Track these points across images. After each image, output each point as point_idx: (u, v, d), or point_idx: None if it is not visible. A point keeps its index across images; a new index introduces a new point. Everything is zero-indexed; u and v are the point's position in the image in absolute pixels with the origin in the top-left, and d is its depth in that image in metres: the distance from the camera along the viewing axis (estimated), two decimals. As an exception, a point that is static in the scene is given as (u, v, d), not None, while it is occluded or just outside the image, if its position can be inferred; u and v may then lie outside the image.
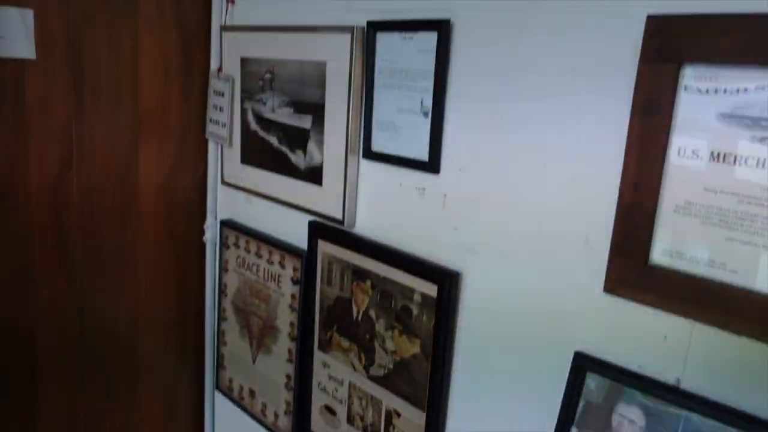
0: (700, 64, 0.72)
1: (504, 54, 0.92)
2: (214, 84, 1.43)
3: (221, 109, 1.42)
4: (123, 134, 1.38)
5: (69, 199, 1.33)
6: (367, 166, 1.16)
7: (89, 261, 1.39)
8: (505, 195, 0.94)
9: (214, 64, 1.45)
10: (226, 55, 1.39)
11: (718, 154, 0.72)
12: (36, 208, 1.29)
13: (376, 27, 1.09)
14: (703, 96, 0.73)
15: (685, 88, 0.74)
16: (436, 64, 1.00)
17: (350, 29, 1.11)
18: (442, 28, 0.99)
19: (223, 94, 1.41)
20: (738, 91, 0.70)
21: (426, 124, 1.04)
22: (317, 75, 1.19)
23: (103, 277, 1.42)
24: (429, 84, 1.02)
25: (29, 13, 1.21)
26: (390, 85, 1.09)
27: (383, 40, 1.08)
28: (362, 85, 1.13)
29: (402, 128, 1.08)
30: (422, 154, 1.05)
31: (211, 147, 1.50)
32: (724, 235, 0.72)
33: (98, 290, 1.41)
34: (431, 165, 1.04)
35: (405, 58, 1.05)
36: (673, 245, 0.76)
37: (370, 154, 1.14)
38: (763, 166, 0.69)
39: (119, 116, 1.37)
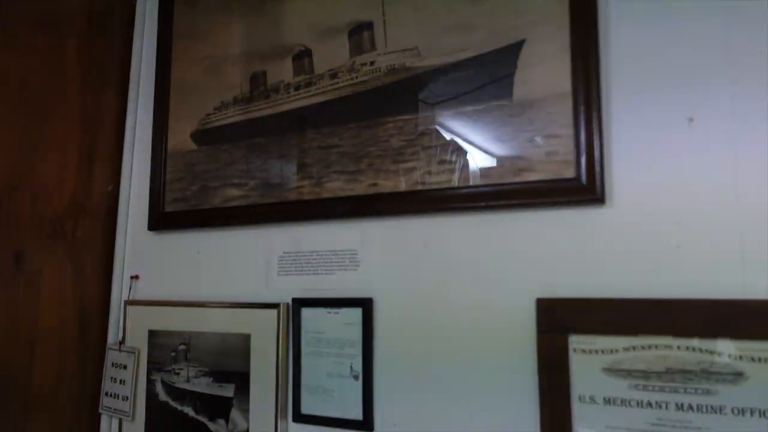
0: (581, 334, 0.99)
1: (420, 327, 1.13)
2: (114, 357, 1.41)
3: (122, 382, 1.38)
4: (10, 416, 1.26)
5: None
6: (298, 430, 1.21)
7: None
8: (442, 447, 1.08)
9: (112, 338, 1.44)
10: (131, 327, 1.41)
11: (610, 399, 0.96)
12: None
13: (301, 303, 1.25)
14: (588, 356, 0.99)
15: (574, 350, 1.00)
16: (363, 335, 1.17)
17: (276, 305, 1.25)
18: (365, 305, 1.18)
19: (125, 367, 1.39)
20: (612, 351, 0.97)
21: (357, 387, 1.16)
22: (241, 346, 1.27)
23: None
24: (357, 351, 1.17)
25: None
26: (318, 353, 1.21)
27: (309, 314, 1.24)
28: (288, 354, 1.24)
29: (333, 391, 1.19)
30: (356, 414, 1.16)
31: (104, 422, 1.42)
32: (630, 465, 0.94)
33: None
34: (365, 423, 1.15)
35: (332, 330, 1.21)
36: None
37: (300, 418, 1.21)
38: (641, 406, 0.94)
39: (8, 398, 1.26)
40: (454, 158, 1.12)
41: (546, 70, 1.06)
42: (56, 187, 1.38)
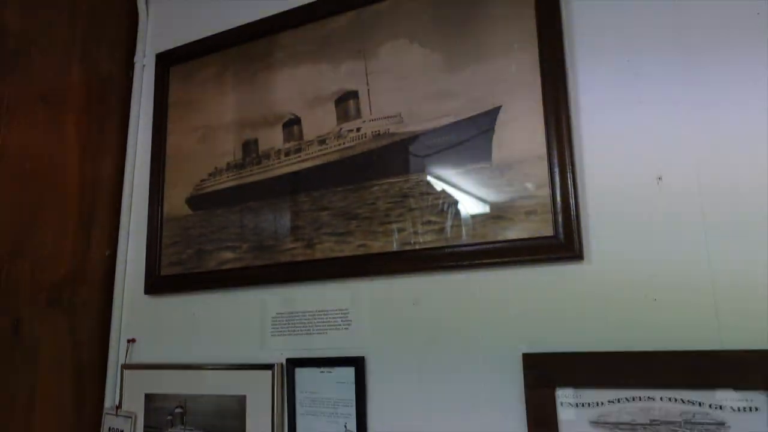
0: (567, 387, 1.02)
1: (412, 384, 1.15)
2: (110, 422, 1.42)
3: (118, 449, 1.39)
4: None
5: None
6: (294, 492, 1.22)
7: None
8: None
9: (109, 402, 1.45)
10: (128, 391, 1.42)
11: (598, 453, 0.98)
12: None
13: (295, 363, 1.27)
14: (575, 409, 1.01)
15: (561, 404, 1.02)
16: (356, 393, 1.19)
17: (271, 366, 1.27)
18: (358, 364, 1.20)
19: (122, 432, 1.39)
20: (598, 404, 1.00)
21: (352, 446, 1.18)
22: (237, 407, 1.29)
23: None
24: (351, 410, 1.19)
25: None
26: (312, 413, 1.23)
27: (302, 374, 1.26)
28: (283, 414, 1.25)
29: (328, 452, 1.20)
30: (351, 474, 1.17)
31: (100, 491, 1.41)
32: None
33: None
34: (361, 484, 1.15)
35: (325, 389, 1.23)
36: None
37: (296, 480, 1.22)
38: (630, 459, 0.96)
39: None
40: (438, 219, 1.17)
41: (522, 134, 1.13)
42: (55, 255, 1.42)
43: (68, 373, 1.42)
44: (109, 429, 1.42)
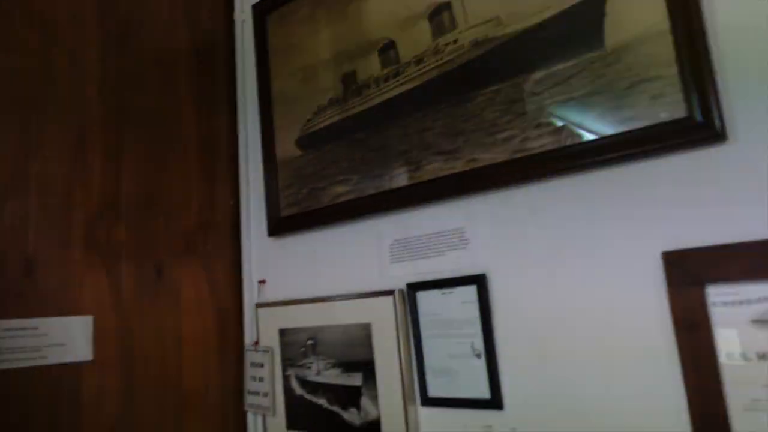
0: (721, 283, 0.90)
1: (539, 298, 1.09)
2: (252, 357, 1.51)
3: (261, 380, 1.48)
4: (168, 418, 1.39)
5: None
6: (427, 413, 1.22)
7: None
8: (576, 419, 1.03)
9: (248, 339, 1.55)
10: (263, 328, 1.50)
11: (764, 354, 0.86)
12: None
13: (416, 287, 1.26)
14: (731, 307, 0.89)
15: (713, 304, 0.91)
16: (480, 312, 1.15)
17: (391, 292, 1.27)
18: (479, 282, 1.16)
19: (262, 365, 1.48)
20: (759, 300, 0.87)
21: (481, 366, 1.15)
22: (363, 335, 1.31)
23: None
24: (476, 329, 1.16)
25: (89, 320, 1.30)
26: (437, 335, 1.21)
27: (424, 297, 1.24)
28: (409, 338, 1.25)
29: (457, 372, 1.18)
30: (483, 392, 1.14)
31: (250, 419, 1.52)
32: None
33: None
34: (494, 402, 1.13)
35: (447, 310, 1.20)
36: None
37: (428, 401, 1.21)
38: (801, 357, 0.83)
39: (165, 401, 1.39)
40: (551, 120, 1.08)
41: (638, 11, 1.00)
42: (184, 207, 1.52)
43: (209, 314, 1.53)
44: (251, 363, 1.51)
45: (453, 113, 1.21)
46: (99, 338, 1.31)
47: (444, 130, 1.22)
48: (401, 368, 1.24)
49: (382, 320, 1.28)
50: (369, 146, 1.36)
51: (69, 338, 1.27)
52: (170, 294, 1.45)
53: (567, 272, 1.06)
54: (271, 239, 1.55)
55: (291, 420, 1.42)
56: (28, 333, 1.21)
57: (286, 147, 1.54)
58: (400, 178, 1.29)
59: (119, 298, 1.36)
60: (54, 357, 1.24)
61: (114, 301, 1.35)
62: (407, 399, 1.23)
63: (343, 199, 1.39)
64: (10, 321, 1.19)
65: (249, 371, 1.52)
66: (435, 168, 1.23)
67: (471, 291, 1.17)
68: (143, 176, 1.45)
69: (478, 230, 1.18)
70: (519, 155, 1.11)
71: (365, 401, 1.29)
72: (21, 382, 1.18)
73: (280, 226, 1.52)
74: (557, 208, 1.08)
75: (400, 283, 1.28)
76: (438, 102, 1.24)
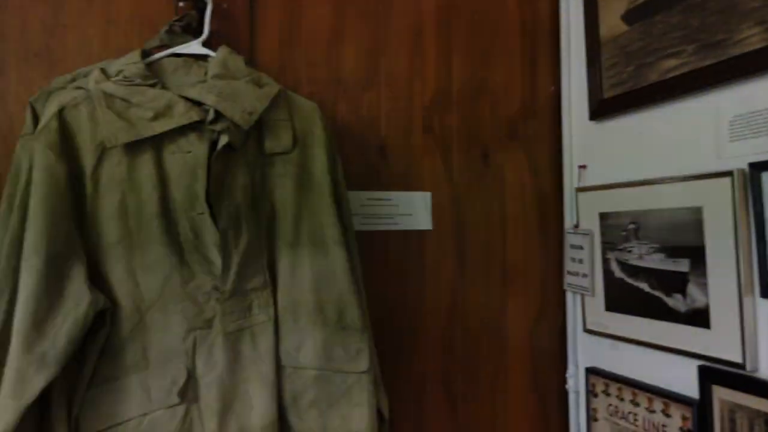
0: None
1: None
2: (571, 239, 1.56)
3: (580, 261, 1.52)
4: (494, 288, 1.57)
5: (453, 343, 1.53)
6: (765, 306, 1.10)
7: (468, 401, 1.53)
8: None
9: (568, 222, 1.59)
10: (583, 212, 1.53)
11: None
12: (429, 351, 1.51)
13: (760, 167, 1.10)
14: None
15: None
16: None
17: (729, 173, 1.14)
18: None
19: (581, 248, 1.52)
20: None
21: None
22: (691, 220, 1.22)
23: (477, 420, 1.53)
24: (843, 215, 0.97)
25: (428, 196, 1.53)
26: (787, 221, 1.06)
27: (772, 178, 1.08)
28: (749, 224, 1.12)
29: (811, 264, 1.02)
30: None
31: (569, 297, 1.60)
32: None
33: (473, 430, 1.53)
34: None
35: (804, 193, 1.03)
36: None
37: (769, 294, 1.09)
38: None
39: (490, 272, 1.57)
40: None
41: None
42: (507, 93, 1.60)
43: (530, 198, 1.61)
44: (571, 245, 1.56)
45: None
46: (436, 211, 1.53)
47: (814, -26, 0.99)
48: (737, 256, 1.13)
49: (717, 204, 1.17)
50: (709, 9, 1.19)
51: (414, 209, 1.52)
52: (495, 177, 1.58)
53: None
54: (591, 123, 1.52)
55: (610, 301, 1.44)
56: (384, 203, 1.49)
57: (611, 23, 1.45)
58: (750, 41, 1.11)
59: (451, 178, 1.55)
60: (403, 224, 1.51)
61: (447, 180, 1.54)
62: (744, 289, 1.12)
63: (674, 73, 1.27)
64: (372, 192, 1.48)
65: (569, 252, 1.57)
66: (797, 23, 1.02)
67: (839, 170, 0.97)
68: (470, 66, 1.57)
69: None
70: None
71: (692, 288, 1.22)
72: (381, 240, 1.48)
73: (602, 108, 1.48)
74: None
75: (740, 163, 1.13)
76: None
